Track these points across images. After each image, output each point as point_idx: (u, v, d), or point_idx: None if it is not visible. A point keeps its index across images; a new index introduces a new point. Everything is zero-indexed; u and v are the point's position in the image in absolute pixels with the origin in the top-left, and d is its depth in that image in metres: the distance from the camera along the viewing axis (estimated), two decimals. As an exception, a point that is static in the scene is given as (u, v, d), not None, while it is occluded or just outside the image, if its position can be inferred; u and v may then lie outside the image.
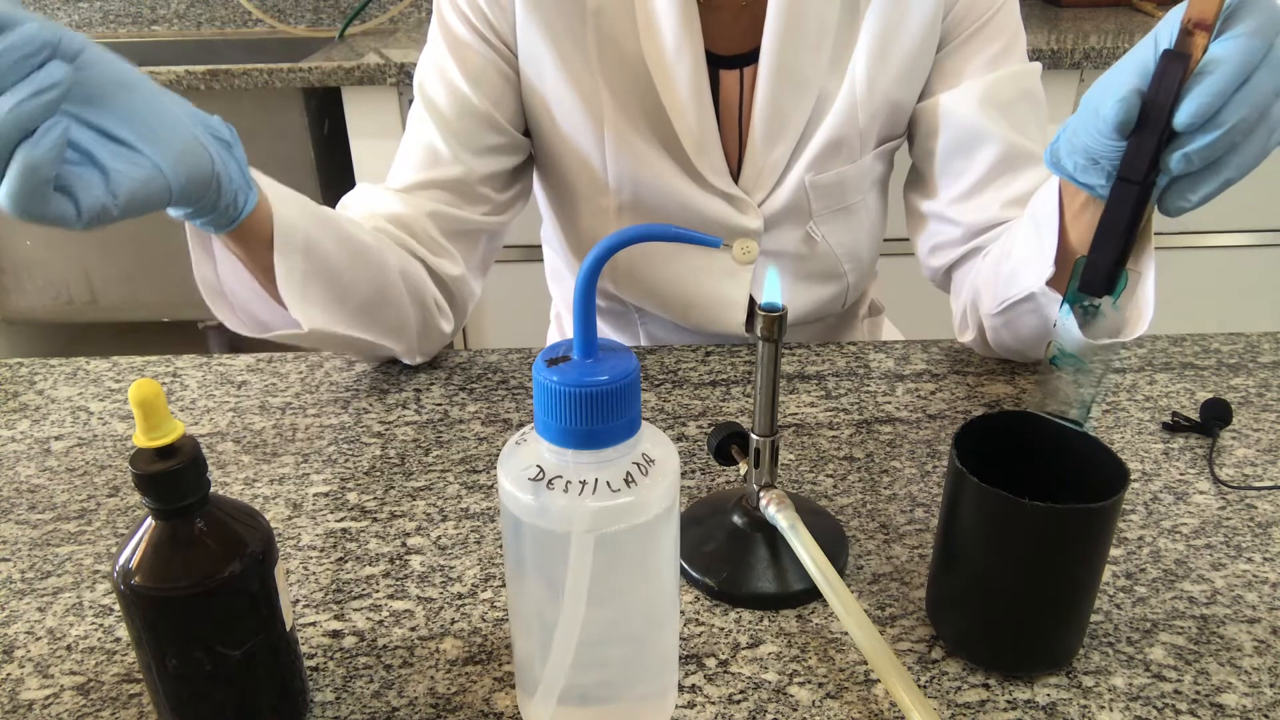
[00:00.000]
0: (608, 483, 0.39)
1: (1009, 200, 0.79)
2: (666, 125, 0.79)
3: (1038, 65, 0.82)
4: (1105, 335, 0.55)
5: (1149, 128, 0.50)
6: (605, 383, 0.38)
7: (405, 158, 0.81)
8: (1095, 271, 0.54)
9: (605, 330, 0.97)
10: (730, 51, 0.80)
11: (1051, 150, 0.59)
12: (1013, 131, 0.78)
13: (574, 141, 0.82)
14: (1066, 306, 0.55)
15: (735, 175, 0.83)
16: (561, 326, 1.08)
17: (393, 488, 0.66)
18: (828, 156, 0.82)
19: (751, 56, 0.80)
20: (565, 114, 0.81)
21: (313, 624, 0.54)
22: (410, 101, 1.77)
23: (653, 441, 0.41)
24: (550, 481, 0.39)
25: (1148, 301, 0.60)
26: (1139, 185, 0.51)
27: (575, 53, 0.78)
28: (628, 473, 0.40)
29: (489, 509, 0.63)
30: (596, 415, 0.38)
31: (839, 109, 0.80)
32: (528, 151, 0.86)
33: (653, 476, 0.40)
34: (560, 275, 1.02)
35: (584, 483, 0.39)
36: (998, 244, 0.77)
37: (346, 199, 0.82)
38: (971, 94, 0.79)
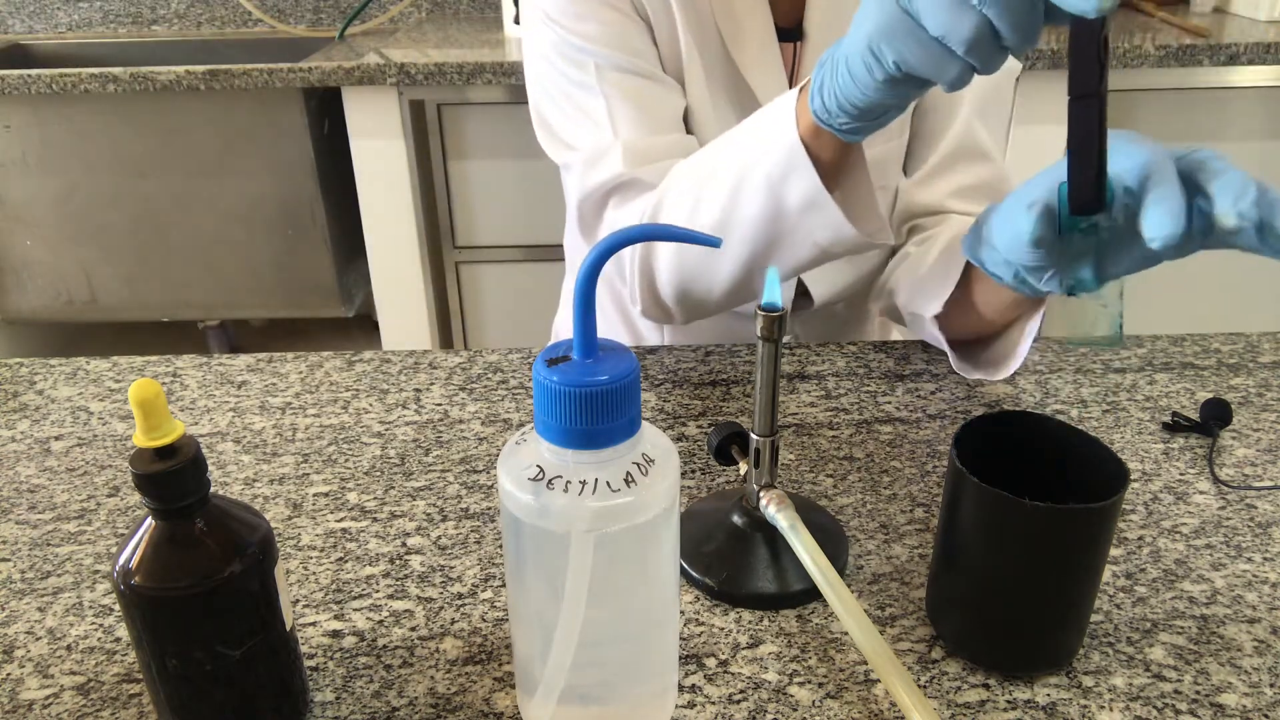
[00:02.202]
0: (608, 483, 0.39)
1: (953, 190, 0.83)
2: (746, 95, 0.81)
3: (1017, 66, 0.87)
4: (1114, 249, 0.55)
5: (1086, 34, 0.48)
6: (605, 383, 0.38)
7: (625, 114, 0.78)
8: (1080, 192, 0.51)
9: (626, 310, 0.98)
10: (782, 24, 0.82)
11: (970, 244, 0.59)
12: (975, 125, 0.83)
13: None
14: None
15: None
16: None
17: (393, 488, 0.66)
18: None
19: (800, 32, 0.82)
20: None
21: (313, 624, 0.54)
22: (411, 101, 1.78)
23: (653, 441, 0.41)
24: (550, 481, 0.39)
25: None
26: (1095, 97, 0.49)
27: (666, 24, 0.80)
28: (628, 473, 0.40)
29: (489, 509, 0.63)
30: (596, 415, 0.38)
31: None
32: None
33: (653, 476, 0.40)
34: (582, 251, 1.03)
35: (584, 483, 0.39)
36: (926, 246, 0.81)
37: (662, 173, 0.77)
38: None
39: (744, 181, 0.66)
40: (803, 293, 0.91)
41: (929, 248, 0.80)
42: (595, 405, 0.38)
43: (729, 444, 0.58)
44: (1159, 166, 0.49)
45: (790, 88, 0.83)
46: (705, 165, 0.70)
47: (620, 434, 0.39)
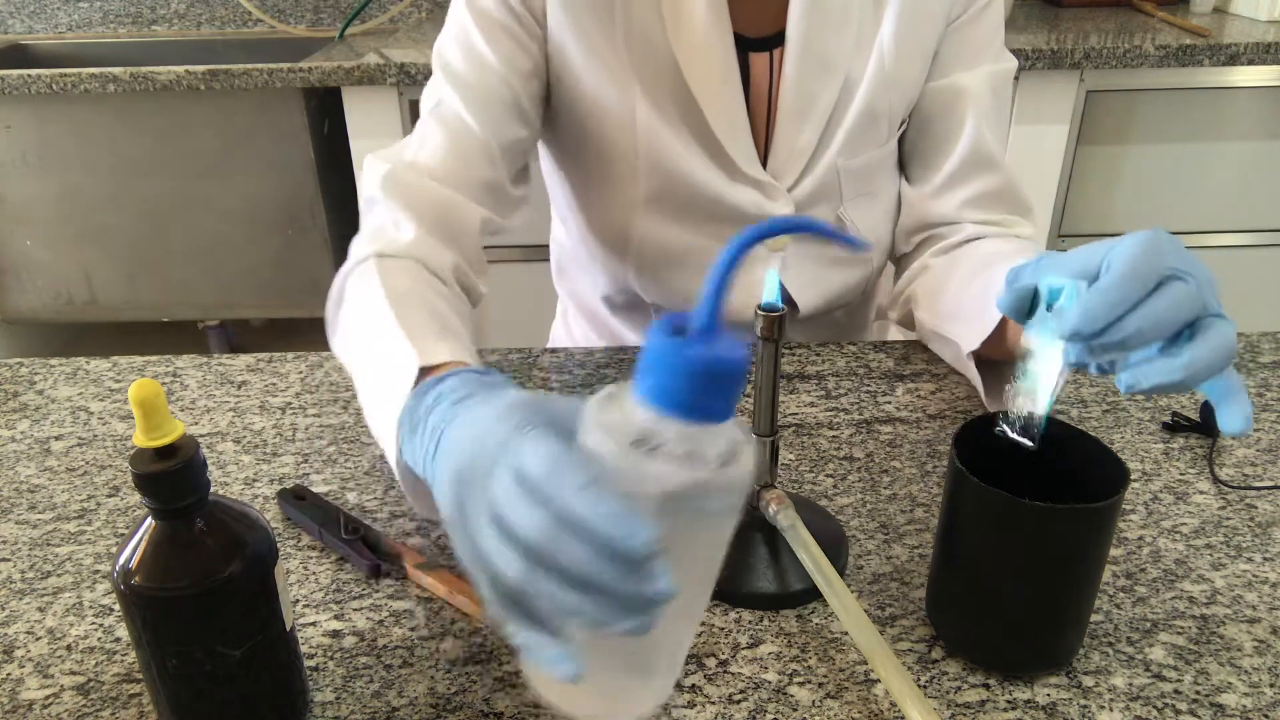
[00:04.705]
0: (704, 457, 0.38)
1: (966, 200, 0.83)
2: (696, 113, 0.80)
3: (1014, 64, 0.85)
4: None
5: None
6: (738, 361, 0.37)
7: (434, 145, 0.76)
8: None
9: (619, 327, 0.97)
10: (759, 34, 0.80)
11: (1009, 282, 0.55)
12: (983, 133, 0.82)
13: (605, 129, 0.81)
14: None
15: (764, 161, 0.83)
16: (569, 324, 1.07)
17: (393, 487, 0.65)
18: (857, 139, 0.82)
19: (781, 38, 0.80)
20: (597, 102, 0.80)
21: (313, 624, 0.54)
22: (411, 101, 1.78)
23: (741, 430, 0.41)
24: (650, 448, 0.38)
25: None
26: None
27: (605, 42, 0.78)
28: (722, 452, 0.39)
29: (489, 509, 0.63)
30: (720, 391, 0.37)
31: (866, 91, 0.81)
32: (532, 150, 0.85)
33: (739, 463, 0.39)
34: (568, 271, 1.02)
35: (682, 453, 0.38)
36: (949, 262, 0.81)
37: (377, 238, 0.70)
38: (959, 91, 0.82)
39: None
40: (788, 301, 0.90)
41: (953, 265, 0.80)
42: (722, 381, 0.37)
43: (729, 444, 0.58)
44: (1138, 269, 0.46)
45: (755, 98, 0.81)
46: None
47: (728, 413, 0.38)
